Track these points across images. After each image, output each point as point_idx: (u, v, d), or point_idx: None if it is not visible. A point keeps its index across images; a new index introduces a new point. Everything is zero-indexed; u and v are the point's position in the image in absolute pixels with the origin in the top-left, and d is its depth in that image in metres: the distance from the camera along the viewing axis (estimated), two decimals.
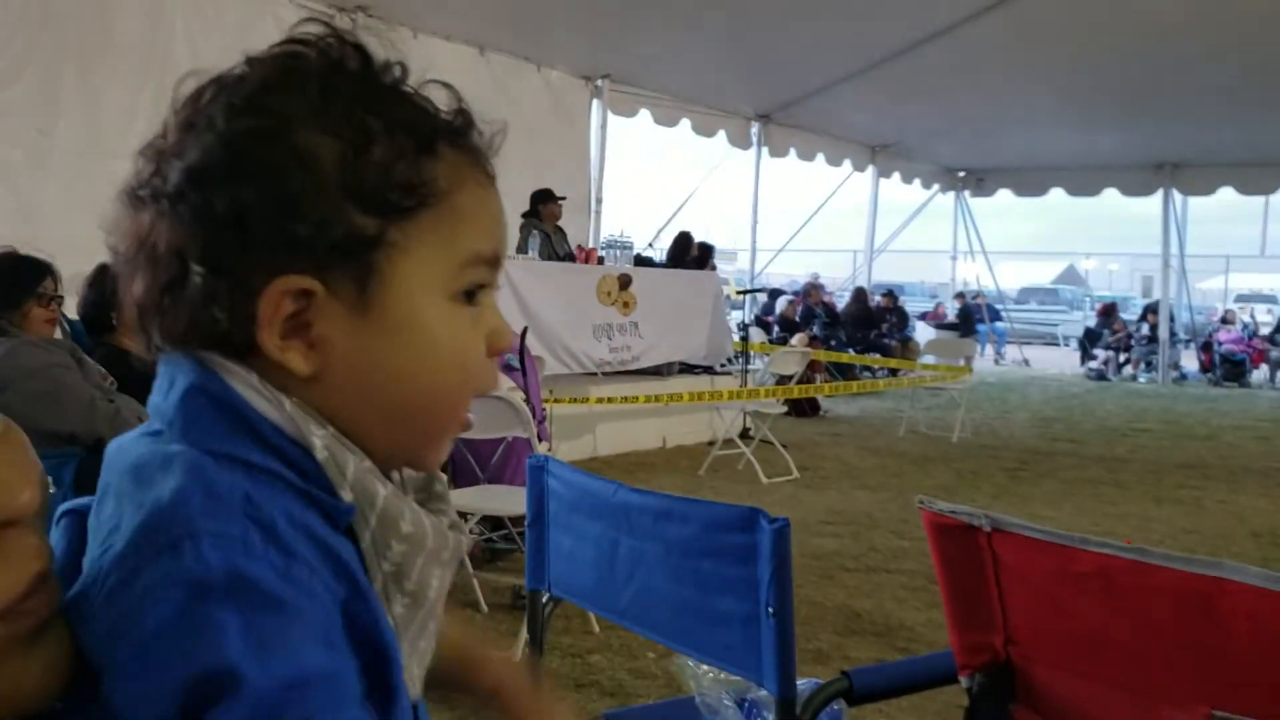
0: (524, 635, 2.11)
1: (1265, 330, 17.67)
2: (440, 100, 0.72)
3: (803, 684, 1.58)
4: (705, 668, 1.93)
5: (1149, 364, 16.46)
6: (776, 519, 1.50)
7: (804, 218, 15.15)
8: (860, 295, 15.63)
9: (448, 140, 0.71)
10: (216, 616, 0.59)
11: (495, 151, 0.76)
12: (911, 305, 18.71)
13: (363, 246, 0.67)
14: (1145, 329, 16.81)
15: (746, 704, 1.92)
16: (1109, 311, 17.95)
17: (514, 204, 8.27)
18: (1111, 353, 16.88)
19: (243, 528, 0.62)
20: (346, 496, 0.68)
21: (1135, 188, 15.33)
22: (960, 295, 18.56)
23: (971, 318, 17.98)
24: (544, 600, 2.02)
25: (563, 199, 8.34)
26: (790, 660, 1.49)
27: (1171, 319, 16.28)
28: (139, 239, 0.69)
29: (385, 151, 0.68)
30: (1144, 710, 0.92)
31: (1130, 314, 18.36)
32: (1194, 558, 0.88)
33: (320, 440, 0.68)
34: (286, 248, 0.66)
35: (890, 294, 16.43)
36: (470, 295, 0.73)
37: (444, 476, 0.80)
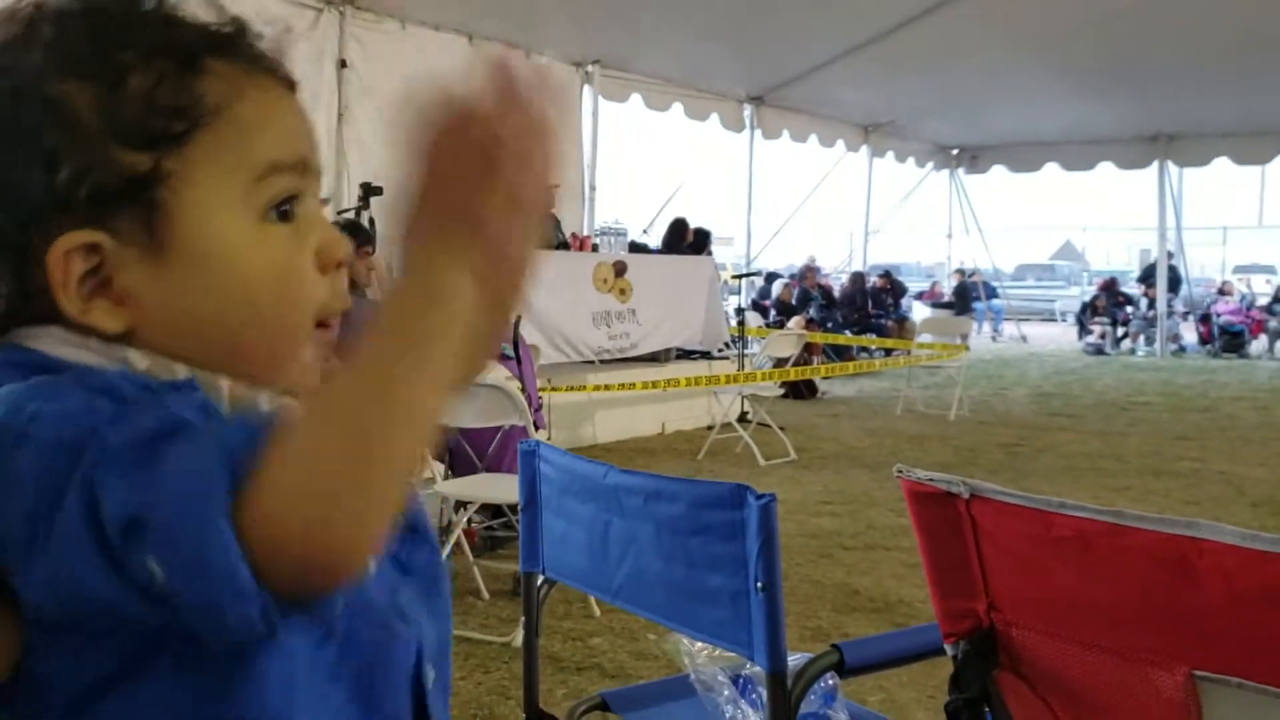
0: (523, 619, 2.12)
1: (1263, 301, 17.65)
2: (204, 15, 0.67)
3: (795, 658, 1.58)
4: (700, 646, 1.94)
5: (1147, 337, 16.46)
6: (763, 495, 1.51)
7: (799, 201, 15.14)
8: (858, 279, 15.64)
9: (214, 52, 0.66)
10: (91, 446, 0.56)
11: (283, 54, 0.70)
12: (908, 285, 18.70)
13: (139, 186, 0.63)
14: (1144, 303, 16.81)
15: (741, 680, 1.93)
16: (1109, 287, 17.92)
17: None
18: (1109, 327, 16.88)
19: (85, 397, 0.59)
20: (182, 374, 0.65)
21: (1130, 160, 15.29)
22: (960, 272, 18.54)
23: (969, 295, 17.96)
24: (539, 583, 2.03)
25: (555, 186, 8.30)
26: (779, 634, 1.50)
27: (1175, 286, 16.27)
28: None
29: (143, 80, 0.63)
30: (1126, 672, 0.93)
31: (1129, 287, 18.34)
32: (1170, 518, 0.88)
33: (138, 355, 0.65)
34: (59, 206, 0.63)
35: (886, 274, 16.43)
36: (284, 213, 0.68)
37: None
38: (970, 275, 18.83)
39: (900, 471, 1.03)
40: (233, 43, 0.68)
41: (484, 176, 0.59)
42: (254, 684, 0.62)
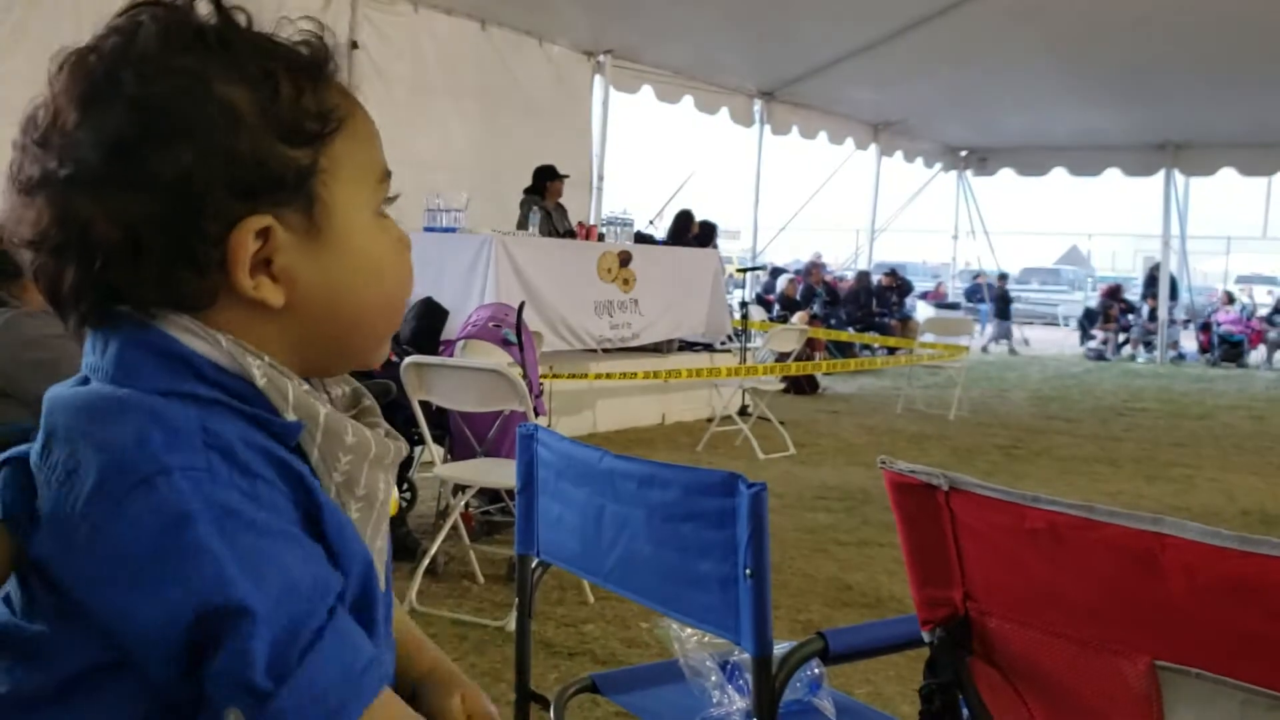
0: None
1: (1264, 311, 17.66)
2: (291, 33, 0.77)
3: (782, 646, 1.62)
4: (689, 631, 1.98)
5: (1147, 344, 16.48)
6: (754, 484, 1.55)
7: (806, 196, 15.14)
8: (863, 277, 15.66)
9: (327, 69, 0.77)
10: (204, 543, 0.64)
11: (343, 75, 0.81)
12: (913, 284, 18.71)
13: (302, 177, 0.73)
14: (1145, 310, 16.83)
15: (728, 666, 1.97)
16: (1114, 293, 17.92)
17: (516, 180, 8.29)
18: (1110, 333, 16.90)
19: (206, 459, 0.67)
20: (291, 416, 0.73)
21: (1137, 168, 15.33)
22: (1002, 277, 18.44)
23: (1008, 299, 17.94)
24: (533, 565, 2.06)
25: (565, 176, 8.34)
26: (766, 620, 1.54)
27: (1173, 296, 16.29)
28: (60, 226, 0.70)
29: (290, 87, 0.73)
30: (1092, 661, 0.97)
31: (1132, 294, 18.34)
32: (1137, 514, 0.92)
33: (259, 370, 0.72)
34: (237, 195, 0.70)
35: (892, 273, 16.45)
36: (380, 210, 0.80)
37: (369, 394, 0.86)
38: (976, 277, 18.84)
39: (883, 463, 1.07)
40: (333, 62, 0.78)
41: None
42: None
